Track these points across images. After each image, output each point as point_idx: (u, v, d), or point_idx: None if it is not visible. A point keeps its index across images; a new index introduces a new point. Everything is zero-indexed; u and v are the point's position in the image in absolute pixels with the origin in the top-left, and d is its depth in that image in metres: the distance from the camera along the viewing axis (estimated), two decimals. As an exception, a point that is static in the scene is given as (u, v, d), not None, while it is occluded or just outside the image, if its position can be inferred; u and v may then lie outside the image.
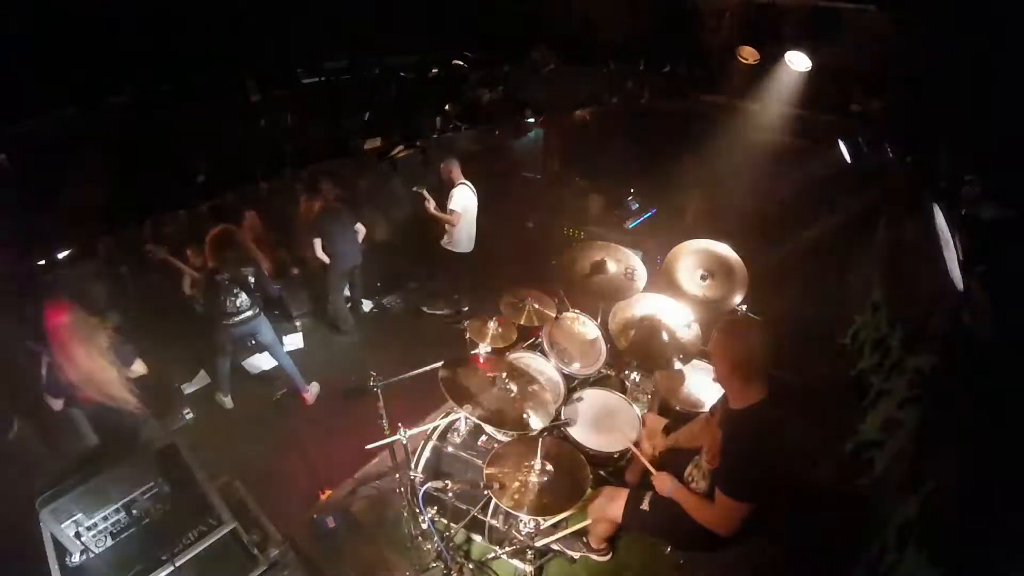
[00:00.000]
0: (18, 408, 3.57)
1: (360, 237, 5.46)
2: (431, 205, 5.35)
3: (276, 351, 4.72)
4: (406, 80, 3.34)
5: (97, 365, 2.99)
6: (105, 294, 4.67)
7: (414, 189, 5.51)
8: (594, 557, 3.12)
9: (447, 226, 5.41)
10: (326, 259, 5.25)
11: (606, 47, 4.14)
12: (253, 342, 4.88)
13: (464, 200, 5.33)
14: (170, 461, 2.57)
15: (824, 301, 4.36)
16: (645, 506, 2.58)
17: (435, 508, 3.10)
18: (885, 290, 3.58)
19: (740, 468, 2.15)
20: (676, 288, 3.79)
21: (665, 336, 3.52)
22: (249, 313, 4.34)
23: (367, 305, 6.20)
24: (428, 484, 2.77)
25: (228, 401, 4.74)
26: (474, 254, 5.70)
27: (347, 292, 5.80)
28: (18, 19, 1.79)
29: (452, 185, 5.34)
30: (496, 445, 3.08)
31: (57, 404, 3.18)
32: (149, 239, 4.61)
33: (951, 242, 2.32)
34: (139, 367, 3.32)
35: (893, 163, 3.16)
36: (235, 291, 4.20)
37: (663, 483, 2.50)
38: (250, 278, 4.23)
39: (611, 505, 2.71)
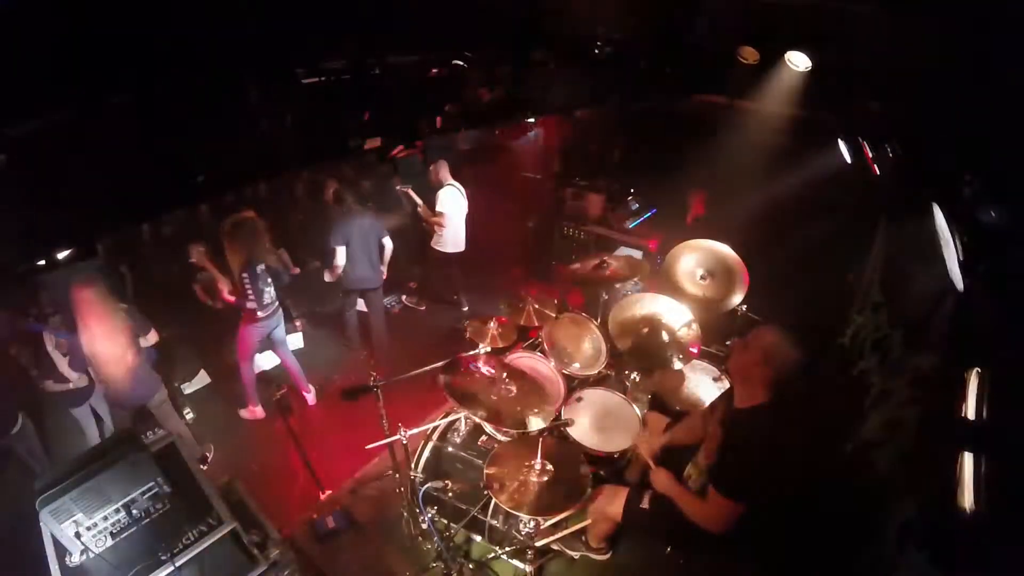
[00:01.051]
0: (22, 405, 3.60)
1: (387, 255, 4.99)
2: (420, 206, 5.34)
3: (285, 349, 4.65)
4: (406, 80, 3.34)
5: (113, 340, 3.34)
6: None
7: (398, 188, 5.48)
8: (593, 556, 3.12)
9: (435, 227, 5.41)
10: (333, 273, 4.71)
11: (606, 47, 4.13)
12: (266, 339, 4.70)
13: (450, 202, 5.30)
14: (170, 461, 2.56)
15: (824, 301, 4.36)
16: (645, 504, 2.61)
17: (435, 508, 3.10)
18: (885, 290, 3.58)
19: (737, 468, 2.18)
20: (676, 288, 3.79)
21: (665, 336, 3.53)
22: (276, 304, 4.27)
23: (362, 305, 6.20)
24: (428, 484, 2.77)
25: (260, 411, 4.57)
26: (465, 255, 5.69)
27: (361, 307, 5.41)
28: (18, 19, 1.78)
29: (440, 186, 5.33)
30: (496, 445, 3.08)
31: (81, 379, 3.60)
32: (192, 241, 4.45)
33: (951, 242, 2.32)
34: (153, 336, 3.74)
35: (893, 163, 3.16)
36: (268, 280, 4.14)
37: (659, 478, 2.54)
38: (275, 265, 4.19)
39: (611, 504, 2.73)
